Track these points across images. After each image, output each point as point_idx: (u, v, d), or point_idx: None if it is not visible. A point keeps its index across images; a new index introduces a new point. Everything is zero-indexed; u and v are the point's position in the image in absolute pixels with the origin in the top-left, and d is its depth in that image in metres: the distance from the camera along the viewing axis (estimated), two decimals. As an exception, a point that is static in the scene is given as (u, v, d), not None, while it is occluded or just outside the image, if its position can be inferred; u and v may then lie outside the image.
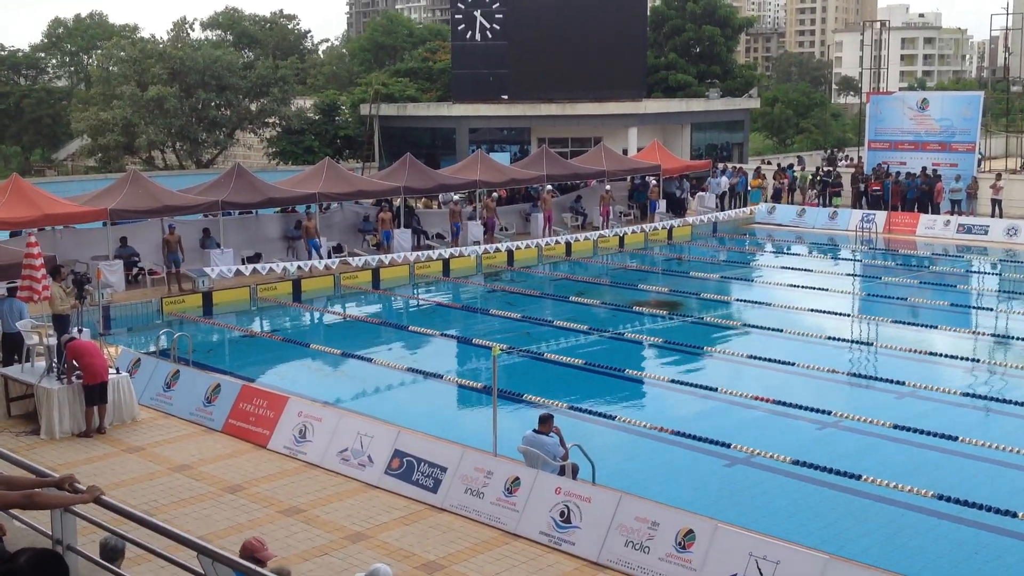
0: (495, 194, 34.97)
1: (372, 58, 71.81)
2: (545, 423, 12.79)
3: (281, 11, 71.54)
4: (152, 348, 20.16)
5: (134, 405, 16.08)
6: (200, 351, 20.00)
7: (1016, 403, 16.59)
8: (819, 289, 26.02)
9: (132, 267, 26.71)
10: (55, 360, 15.82)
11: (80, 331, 17.19)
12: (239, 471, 13.81)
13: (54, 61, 72.12)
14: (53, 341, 16.42)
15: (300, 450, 14.31)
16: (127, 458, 14.40)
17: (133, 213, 26.20)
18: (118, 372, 16.17)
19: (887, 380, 18.00)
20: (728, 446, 14.59)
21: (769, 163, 47.35)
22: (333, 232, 31.40)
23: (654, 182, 38.54)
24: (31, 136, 66.56)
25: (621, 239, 34.16)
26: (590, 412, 16.42)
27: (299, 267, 27.49)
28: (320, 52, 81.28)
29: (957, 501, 12.45)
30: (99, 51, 62.20)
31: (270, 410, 15.07)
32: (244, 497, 12.86)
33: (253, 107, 54.55)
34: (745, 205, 40.34)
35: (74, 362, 15.29)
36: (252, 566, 6.70)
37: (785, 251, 33.66)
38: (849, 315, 23.97)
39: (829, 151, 56.02)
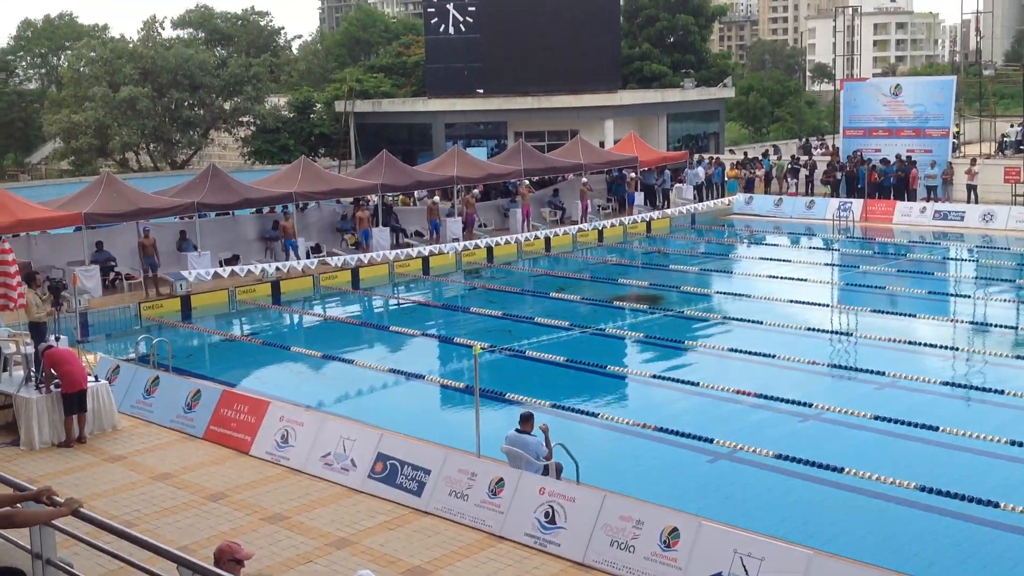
0: (475, 190, 34.90)
1: (347, 53, 71.46)
2: (527, 422, 12.75)
3: (253, 8, 70.88)
4: (131, 354, 19.97)
5: (114, 413, 15.95)
6: (179, 356, 19.88)
7: (996, 391, 16.69)
8: (798, 279, 26.12)
9: (109, 272, 26.49)
10: (33, 369, 15.66)
11: (57, 339, 17.04)
12: (221, 478, 13.72)
13: (24, 63, 71.32)
14: (31, 350, 16.26)
15: (282, 455, 14.23)
16: (108, 467, 14.28)
17: (108, 217, 26.00)
18: (97, 380, 16.02)
19: (867, 371, 18.07)
20: (711, 441, 14.62)
21: (733, 152, 47.52)
22: (311, 232, 31.25)
23: (631, 174, 38.56)
24: (2, 140, 65.87)
25: (600, 233, 34.17)
26: (573, 410, 16.41)
27: (277, 268, 27.33)
28: (294, 48, 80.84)
29: (940, 492, 12.51)
30: (69, 52, 61.56)
31: (251, 415, 14.98)
32: (227, 505, 12.78)
33: (227, 106, 54.19)
34: (723, 196, 40.43)
35: (52, 371, 15.15)
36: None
37: (763, 241, 33.76)
38: (828, 305, 24.06)
39: (804, 139, 56.22)
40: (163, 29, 60.54)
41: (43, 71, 71.23)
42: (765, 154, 45.35)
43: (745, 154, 45.98)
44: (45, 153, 64.68)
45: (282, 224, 29.08)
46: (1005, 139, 48.02)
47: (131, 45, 54.32)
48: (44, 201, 27.53)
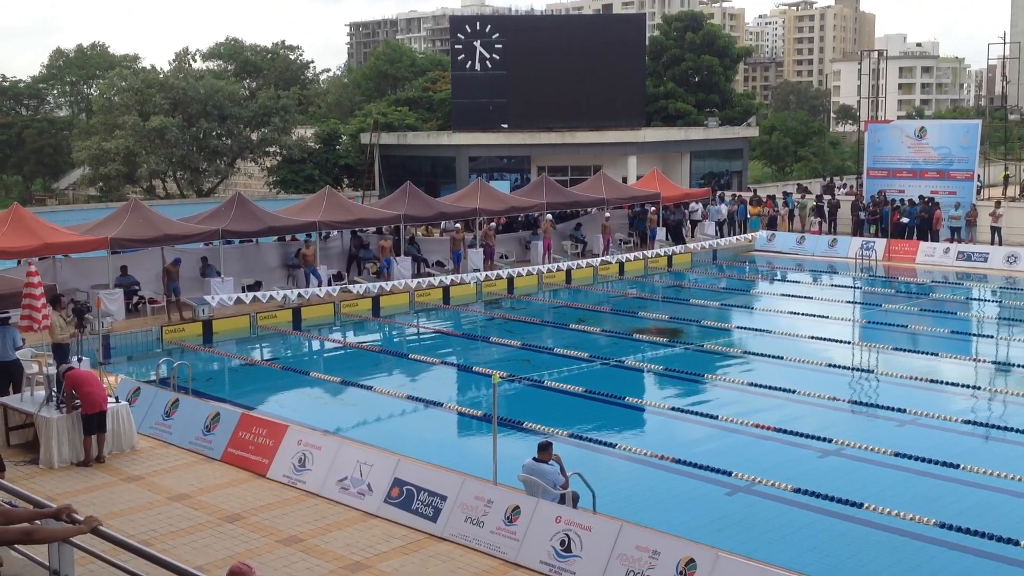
0: (493, 223, 35.09)
1: (374, 87, 72.12)
2: (544, 451, 12.75)
3: (283, 42, 71.81)
4: (152, 377, 20.14)
5: (133, 434, 16.04)
6: (200, 379, 19.98)
7: (1017, 430, 16.55)
8: (819, 316, 26.03)
9: (132, 296, 26.71)
10: (54, 389, 15.78)
11: (80, 360, 17.17)
12: (238, 500, 13.75)
13: (55, 91, 72.42)
14: (53, 370, 16.39)
15: (299, 479, 14.25)
16: (126, 487, 14.34)
17: (134, 242, 26.24)
18: (117, 401, 16.13)
19: (888, 408, 17.96)
20: (729, 474, 14.53)
21: (750, 190, 47.62)
22: (333, 260, 31.44)
23: (652, 209, 38.70)
24: (32, 166, 66.77)
25: (621, 266, 34.21)
26: (591, 440, 16.37)
27: (299, 295, 27.48)
28: (321, 81, 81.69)
29: (959, 529, 12.39)
30: (101, 80, 62.54)
31: (269, 439, 15.02)
32: (242, 527, 12.80)
33: (254, 136, 54.74)
34: (745, 232, 40.45)
35: (73, 391, 15.26)
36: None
37: (785, 278, 33.68)
38: (850, 342, 23.95)
39: (827, 179, 56.21)
40: (194, 61, 61.42)
41: (73, 99, 72.27)
42: (788, 194, 45.29)
43: (755, 191, 46.06)
44: (73, 179, 65.49)
45: (302, 252, 29.29)
46: (1007, 176, 48.21)
47: (162, 75, 55.04)
48: (71, 226, 27.83)
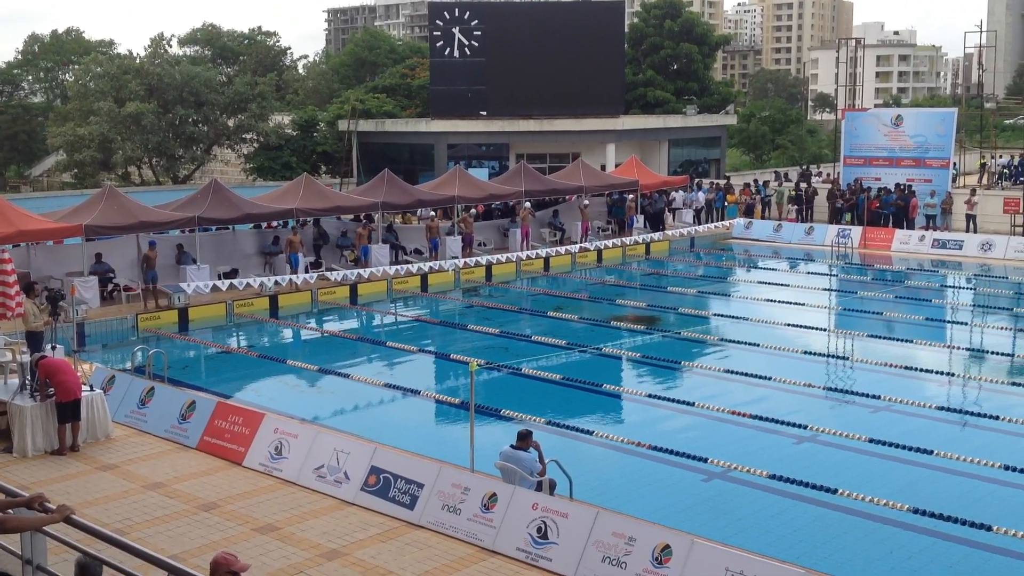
0: (472, 210, 35.05)
1: (352, 74, 71.80)
2: (524, 439, 12.76)
3: (260, 28, 71.27)
4: (127, 365, 20.00)
5: (108, 422, 15.93)
6: (175, 368, 19.88)
7: (990, 416, 16.70)
8: (796, 304, 26.15)
9: (107, 283, 26.52)
10: (28, 377, 15.65)
11: (53, 348, 17.03)
12: (214, 488, 13.70)
13: (30, 77, 71.65)
14: (26, 358, 16.25)
15: (276, 467, 14.21)
16: (100, 476, 14.25)
17: (109, 229, 26.04)
18: (92, 389, 16.01)
19: (863, 394, 18.08)
20: (705, 460, 14.60)
21: (727, 177, 47.81)
22: (309, 248, 31.28)
23: (631, 197, 38.73)
24: (6, 152, 66.09)
25: (599, 253, 34.23)
26: (568, 427, 16.40)
27: (276, 282, 27.34)
28: (300, 68, 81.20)
29: (933, 515, 12.49)
30: (76, 66, 61.91)
31: (245, 427, 14.96)
32: (218, 515, 12.75)
33: (231, 123, 54.37)
34: (722, 220, 40.57)
35: (47, 380, 15.14)
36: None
37: (762, 266, 33.81)
38: (825, 329, 24.09)
39: (804, 167, 56.42)
40: (170, 47, 60.89)
41: (48, 85, 71.57)
42: (765, 183, 45.39)
43: (728, 178, 46.23)
44: (48, 165, 64.89)
45: (288, 238, 29.13)
46: (983, 164, 48.67)
47: (138, 61, 54.55)
48: (45, 212, 27.59)
